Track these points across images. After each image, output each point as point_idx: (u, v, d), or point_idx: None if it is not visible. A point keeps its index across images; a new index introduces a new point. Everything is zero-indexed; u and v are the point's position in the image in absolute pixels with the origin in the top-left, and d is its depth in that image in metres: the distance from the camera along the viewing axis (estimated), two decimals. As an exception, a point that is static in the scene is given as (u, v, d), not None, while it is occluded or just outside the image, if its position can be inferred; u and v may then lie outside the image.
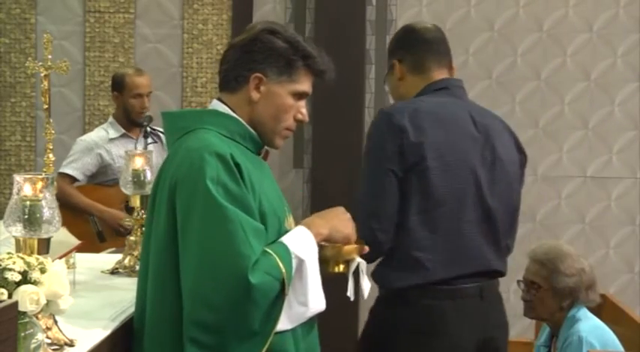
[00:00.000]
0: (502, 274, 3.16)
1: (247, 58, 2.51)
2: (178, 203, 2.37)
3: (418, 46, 3.12)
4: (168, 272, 2.38)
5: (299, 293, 2.41)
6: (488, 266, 3.07)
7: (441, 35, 3.18)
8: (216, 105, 2.56)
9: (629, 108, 5.87)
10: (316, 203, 5.63)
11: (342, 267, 2.58)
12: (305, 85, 2.54)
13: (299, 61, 2.52)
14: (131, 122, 4.99)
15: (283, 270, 2.34)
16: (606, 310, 4.19)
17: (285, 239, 2.44)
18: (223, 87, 2.57)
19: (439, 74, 3.11)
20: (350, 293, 2.58)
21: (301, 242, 2.45)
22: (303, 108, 2.56)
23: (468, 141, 3.03)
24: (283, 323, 2.38)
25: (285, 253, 2.39)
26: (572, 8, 5.87)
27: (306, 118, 2.58)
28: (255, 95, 2.50)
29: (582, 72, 5.88)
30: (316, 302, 2.45)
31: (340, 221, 2.57)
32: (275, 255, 2.36)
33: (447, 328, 2.98)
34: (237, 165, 2.38)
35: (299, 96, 2.54)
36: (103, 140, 4.98)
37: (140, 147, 4.80)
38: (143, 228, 3.05)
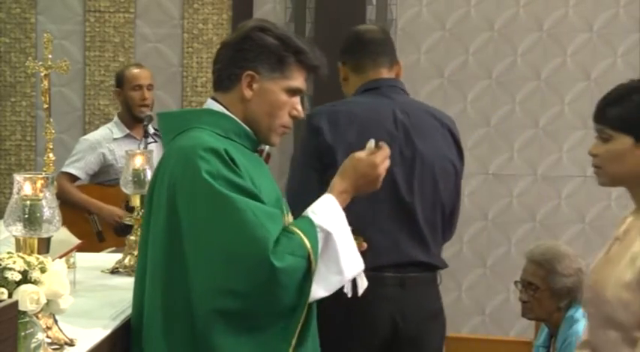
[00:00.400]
0: (434, 266, 3.28)
1: (239, 56, 2.51)
2: (180, 203, 2.37)
3: (357, 48, 3.30)
4: (169, 271, 2.38)
5: (332, 265, 2.42)
6: (411, 258, 3.20)
7: (381, 36, 3.34)
8: (211, 104, 2.56)
9: (629, 108, 5.87)
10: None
11: None
12: (298, 81, 2.54)
13: (291, 57, 2.52)
14: (133, 117, 4.95)
15: (308, 247, 2.37)
16: (606, 310, 4.19)
17: (309, 211, 2.46)
18: (217, 86, 2.57)
19: (375, 74, 3.27)
20: (347, 289, 2.59)
21: (326, 212, 2.46)
22: (297, 105, 2.56)
23: (384, 138, 3.06)
24: (319, 292, 2.40)
25: (310, 228, 2.41)
26: (572, 8, 5.87)
27: (302, 114, 2.58)
28: (247, 93, 2.50)
29: (582, 72, 5.88)
30: (352, 267, 2.47)
31: (367, 182, 2.56)
32: (299, 232, 2.38)
33: (366, 311, 3.11)
34: (232, 159, 2.39)
35: (293, 92, 2.54)
36: (106, 139, 4.96)
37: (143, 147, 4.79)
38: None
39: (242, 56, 2.51)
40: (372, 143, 2.60)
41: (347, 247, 2.47)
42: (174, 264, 2.37)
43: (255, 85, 2.50)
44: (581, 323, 3.63)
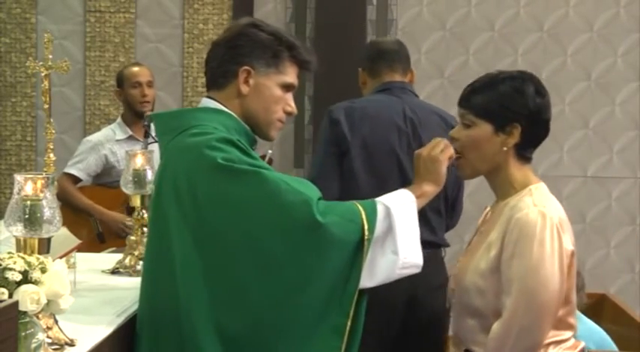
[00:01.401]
0: (439, 244, 3.67)
1: (234, 52, 2.52)
2: (205, 196, 2.35)
3: (374, 56, 3.74)
4: (206, 261, 2.35)
5: (388, 242, 2.40)
6: (421, 239, 3.45)
7: (396, 47, 3.79)
8: (207, 102, 2.56)
9: (629, 108, 5.87)
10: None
11: None
12: (291, 77, 2.56)
13: (285, 52, 2.53)
14: (136, 115, 4.94)
15: (362, 213, 2.35)
16: (606, 310, 4.20)
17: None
18: (211, 85, 2.57)
19: (388, 78, 3.70)
20: None
21: (390, 195, 2.46)
22: (291, 101, 2.57)
23: (394, 132, 3.58)
24: (371, 279, 2.37)
25: (369, 202, 2.40)
26: (573, 8, 5.87)
27: (295, 111, 2.59)
28: (244, 88, 2.51)
29: (583, 72, 5.88)
30: (409, 252, 2.42)
31: (433, 174, 2.54)
32: (358, 204, 2.38)
33: (385, 292, 3.25)
34: (246, 147, 2.40)
35: (287, 87, 2.55)
36: (109, 140, 4.95)
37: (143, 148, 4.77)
38: (144, 229, 3.05)
39: (237, 52, 2.52)
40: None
41: (407, 231, 2.42)
42: (210, 255, 2.35)
43: (251, 81, 2.51)
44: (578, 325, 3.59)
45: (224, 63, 2.53)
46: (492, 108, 2.55)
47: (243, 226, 2.32)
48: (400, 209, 2.42)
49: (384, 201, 2.43)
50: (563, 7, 5.87)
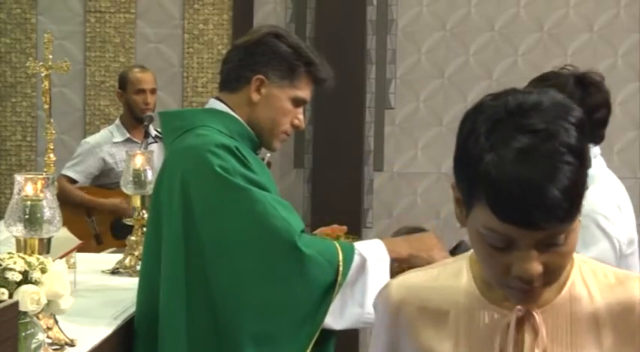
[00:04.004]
0: None
1: (250, 59, 2.52)
2: (195, 200, 2.36)
3: None
4: (190, 269, 2.37)
5: (357, 292, 2.38)
6: None
7: None
8: (215, 104, 2.56)
9: (630, 108, 5.87)
10: (317, 203, 5.63)
11: None
12: (305, 92, 2.56)
13: (301, 67, 2.54)
14: (135, 119, 4.95)
15: (340, 259, 2.35)
16: (607, 310, 4.17)
17: (355, 243, 2.46)
18: (223, 86, 2.58)
19: None
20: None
21: (370, 246, 2.45)
22: (300, 114, 2.58)
23: None
24: (336, 321, 2.38)
25: (349, 248, 2.40)
26: (573, 8, 5.87)
27: (303, 125, 2.60)
28: (255, 96, 2.51)
29: (583, 72, 5.88)
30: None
31: (425, 245, 2.50)
32: (337, 245, 2.39)
33: None
34: (243, 156, 2.40)
35: (298, 102, 2.55)
36: (107, 142, 4.95)
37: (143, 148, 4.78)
38: (144, 229, 3.05)
39: (254, 60, 2.52)
40: None
41: (377, 287, 2.42)
42: (195, 261, 2.37)
43: (263, 90, 2.52)
44: None
45: (239, 67, 2.53)
46: (582, 194, 1.48)
47: (225, 240, 2.35)
48: (375, 265, 2.41)
49: (362, 251, 2.41)
50: (564, 8, 5.87)
